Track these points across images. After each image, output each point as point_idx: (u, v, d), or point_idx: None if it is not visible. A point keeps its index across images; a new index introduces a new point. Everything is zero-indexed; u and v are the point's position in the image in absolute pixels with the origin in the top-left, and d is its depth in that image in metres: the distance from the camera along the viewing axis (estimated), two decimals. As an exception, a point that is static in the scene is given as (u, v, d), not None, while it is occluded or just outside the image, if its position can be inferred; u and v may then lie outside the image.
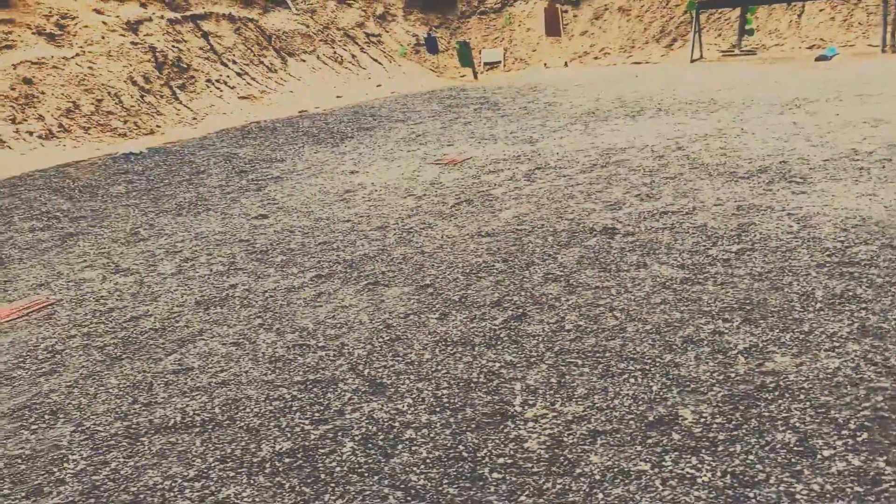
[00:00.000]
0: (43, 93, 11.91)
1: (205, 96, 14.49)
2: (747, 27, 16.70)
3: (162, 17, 15.23)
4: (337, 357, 3.36)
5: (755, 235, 4.44)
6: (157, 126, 12.93)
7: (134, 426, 2.91)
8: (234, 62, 15.82)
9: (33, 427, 2.98)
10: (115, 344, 3.79)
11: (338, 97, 15.78)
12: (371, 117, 12.15)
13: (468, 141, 9.00)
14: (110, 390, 3.25)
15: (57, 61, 12.58)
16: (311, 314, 3.93)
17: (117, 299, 4.49)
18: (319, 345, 3.52)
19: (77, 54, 13.04)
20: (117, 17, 14.46)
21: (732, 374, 2.84)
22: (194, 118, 13.67)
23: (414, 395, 2.93)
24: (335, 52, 17.96)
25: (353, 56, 18.23)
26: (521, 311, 3.68)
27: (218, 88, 14.86)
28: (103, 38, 13.71)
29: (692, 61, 16.31)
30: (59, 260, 5.49)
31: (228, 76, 15.35)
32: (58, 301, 4.57)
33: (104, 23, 14.08)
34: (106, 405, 3.11)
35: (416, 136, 9.73)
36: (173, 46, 14.94)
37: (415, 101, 13.80)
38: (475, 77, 18.25)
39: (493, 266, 4.41)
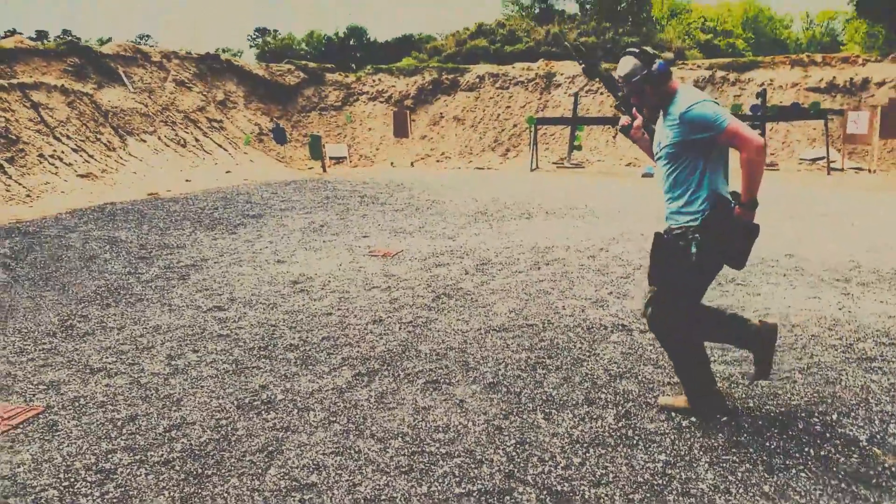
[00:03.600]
0: None
1: (38, 172, 12.95)
2: (576, 143, 18.49)
3: (-13, 81, 13.57)
4: (477, 465, 3.11)
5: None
6: (-15, 202, 11.27)
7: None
8: (69, 137, 14.39)
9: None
10: (178, 458, 3.18)
11: (187, 181, 14.88)
12: (247, 204, 11.59)
13: (382, 233, 8.91)
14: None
15: None
16: (397, 417, 3.60)
17: (128, 405, 3.79)
18: (443, 451, 3.23)
19: None
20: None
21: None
22: (28, 195, 12.12)
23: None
24: (177, 135, 17.02)
25: (197, 140, 17.39)
26: (624, 409, 3.68)
27: (53, 164, 13.36)
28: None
29: (532, 170, 17.62)
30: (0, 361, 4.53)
31: (63, 152, 13.89)
32: (47, 408, 3.75)
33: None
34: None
35: (320, 227, 9.43)
36: (-2, 115, 13.30)
37: (285, 190, 13.41)
38: (324, 170, 18.19)
39: (545, 362, 4.36)
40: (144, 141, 16.08)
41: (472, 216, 10.27)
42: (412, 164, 19.66)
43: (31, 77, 15.14)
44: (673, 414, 3.60)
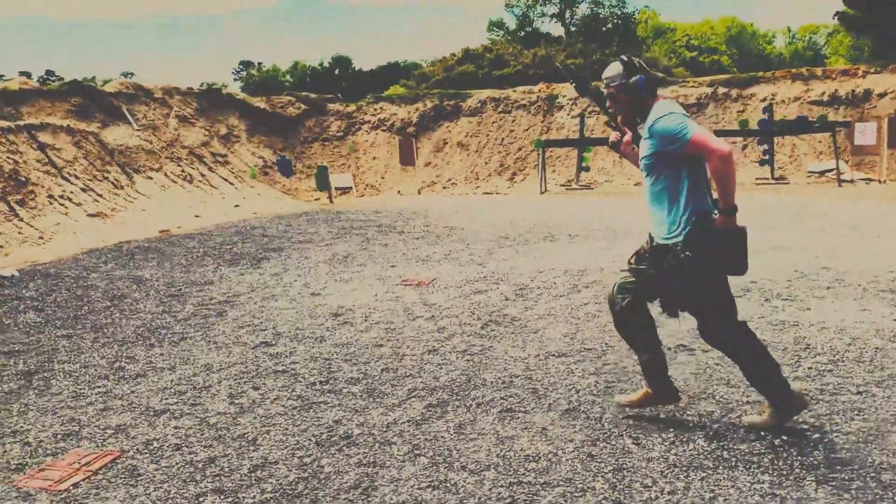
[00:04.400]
0: None
1: (49, 213, 12.87)
2: (584, 164, 18.55)
3: (-4, 124, 13.54)
4: (581, 494, 3.03)
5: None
6: (0, 246, 11.17)
7: None
8: (77, 177, 14.34)
9: None
10: (272, 499, 3.08)
11: (196, 216, 14.81)
12: (264, 237, 11.52)
13: (409, 263, 8.85)
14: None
15: None
16: (482, 448, 3.52)
17: (203, 446, 3.69)
18: (542, 481, 3.15)
19: None
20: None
21: None
22: (41, 237, 12.03)
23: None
24: (183, 171, 17.00)
25: (203, 175, 17.37)
26: (712, 430, 3.60)
27: (62, 205, 13.30)
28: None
29: (542, 193, 17.65)
30: (57, 408, 4.43)
31: (73, 192, 13.83)
32: (122, 452, 3.65)
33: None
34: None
35: (344, 258, 9.37)
36: (7, 158, 13.26)
37: (298, 223, 13.36)
38: (330, 201, 18.17)
39: (617, 386, 4.29)
40: (151, 178, 16.04)
41: (494, 241, 10.23)
42: (419, 191, 19.67)
43: (36, 118, 15.13)
44: (762, 433, 3.53)
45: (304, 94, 23.26)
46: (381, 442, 3.65)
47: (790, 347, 4.90)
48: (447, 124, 22.35)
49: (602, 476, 3.16)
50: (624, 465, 3.26)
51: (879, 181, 16.57)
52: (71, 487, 3.28)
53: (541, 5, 47.33)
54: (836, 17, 34.46)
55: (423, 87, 28.64)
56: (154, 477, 3.36)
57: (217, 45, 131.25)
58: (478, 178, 20.36)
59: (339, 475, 3.30)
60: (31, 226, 12.28)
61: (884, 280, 6.71)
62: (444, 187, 20.11)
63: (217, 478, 3.33)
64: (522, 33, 46.25)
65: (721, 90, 21.48)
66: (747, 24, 66.67)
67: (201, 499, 3.14)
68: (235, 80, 68.37)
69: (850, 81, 20.47)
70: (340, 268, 8.69)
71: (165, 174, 16.35)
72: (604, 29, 44.10)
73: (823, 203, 13.11)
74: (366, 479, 3.25)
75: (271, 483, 3.25)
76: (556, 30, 48.36)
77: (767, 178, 17.66)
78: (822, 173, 17.77)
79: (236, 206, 16.38)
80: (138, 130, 16.94)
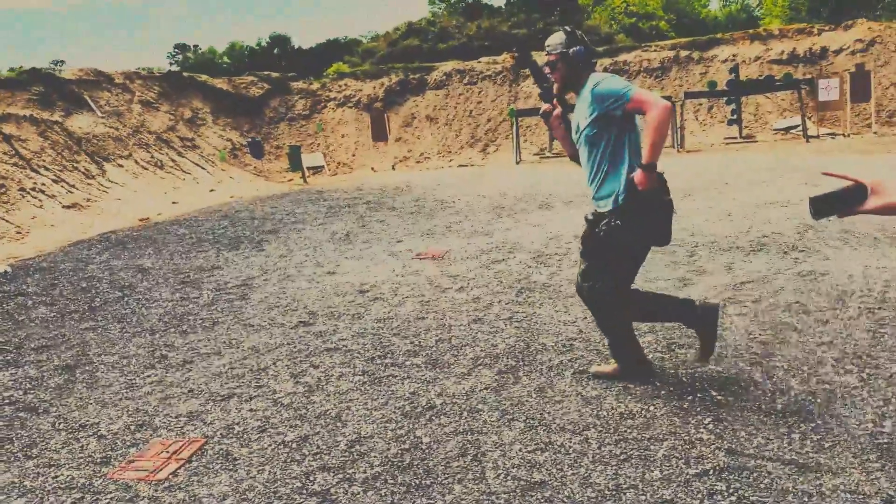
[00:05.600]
0: None
1: (23, 207, 12.43)
2: (556, 132, 18.60)
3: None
4: (693, 446, 3.10)
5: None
6: (-23, 242, 10.76)
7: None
8: (47, 168, 13.85)
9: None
10: (385, 472, 3.08)
11: (174, 203, 14.48)
12: (253, 220, 11.33)
13: (413, 237, 8.82)
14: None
15: None
16: (572, 409, 3.56)
17: (288, 427, 3.65)
18: (647, 436, 3.21)
19: None
20: None
21: None
22: (18, 231, 11.63)
23: None
24: (153, 157, 16.55)
25: (174, 161, 16.95)
26: (782, 385, 3.71)
27: (36, 198, 12.85)
28: None
29: (517, 163, 17.69)
30: (115, 400, 4.32)
31: (44, 184, 13.37)
32: (207, 438, 3.59)
33: None
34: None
35: (345, 236, 9.29)
36: (-27, 151, 12.73)
37: (281, 204, 13.16)
38: (304, 181, 17.93)
39: (680, 342, 4.38)
40: (122, 166, 15.59)
41: (491, 212, 10.24)
42: (393, 167, 19.53)
43: (-2, 109, 14.53)
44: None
45: (265, 73, 22.76)
46: (467, 410, 3.67)
47: (832, 293, 5.05)
48: (414, 98, 22.17)
49: (705, 427, 3.24)
50: (721, 417, 3.33)
51: (844, 135, 17.05)
52: (170, 476, 3.22)
53: (480, -25, 47.07)
54: None
55: (370, 63, 28.26)
56: (251, 460, 3.32)
57: (147, 30, 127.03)
58: (450, 152, 20.30)
59: (439, 444, 3.31)
60: (7, 221, 11.86)
61: (890, 229, 6.94)
62: (418, 162, 20.01)
63: (317, 456, 3.30)
64: (463, 4, 45.95)
65: (683, 53, 21.74)
66: None
67: (311, 477, 3.12)
68: (171, 63, 66.48)
69: (806, 40, 20.92)
70: (346, 246, 8.61)
71: (136, 161, 15.90)
72: None
73: (798, 158, 13.44)
74: (469, 446, 3.27)
75: (375, 457, 3.24)
76: (498, 0, 48.24)
77: (736, 137, 18.01)
78: (787, 130, 18.20)
79: (212, 190, 16.05)
80: (102, 118, 16.41)
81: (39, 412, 4.17)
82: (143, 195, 14.74)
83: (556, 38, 3.57)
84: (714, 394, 3.58)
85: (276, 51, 62.56)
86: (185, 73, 20.57)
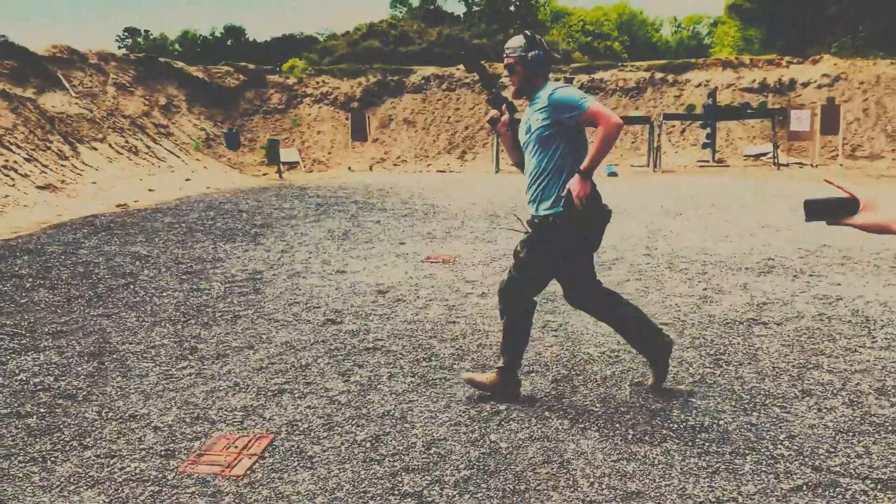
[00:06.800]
0: None
1: (-5, 184, 11.94)
2: (535, 143, 18.79)
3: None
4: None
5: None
6: (-51, 219, 10.30)
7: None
8: (19, 146, 13.34)
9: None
10: (478, 474, 3.06)
11: (150, 190, 14.11)
12: (240, 213, 11.13)
13: (415, 240, 8.80)
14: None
15: None
16: (638, 421, 3.61)
17: (355, 425, 3.59)
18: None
19: None
20: None
21: None
22: (-9, 210, 11.16)
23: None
24: (127, 142, 16.10)
25: (148, 147, 16.52)
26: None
27: (8, 176, 12.36)
28: None
29: (496, 172, 17.80)
30: (157, 391, 4.19)
31: (17, 162, 12.87)
32: (274, 434, 3.51)
33: None
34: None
35: (342, 234, 9.21)
36: (-57, 123, 12.19)
37: (268, 198, 12.96)
38: (280, 176, 17.69)
39: (723, 358, 4.47)
40: (96, 149, 15.12)
41: (487, 219, 10.29)
42: (370, 168, 19.43)
43: (-32, 81, 13.94)
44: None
45: (242, 63, 22.40)
46: (535, 416, 3.67)
47: (853, 320, 5.22)
48: (392, 100, 22.12)
49: (781, 443, 3.31)
50: (793, 434, 3.41)
51: (812, 165, 17.67)
52: (248, 472, 3.14)
53: (443, -16, 47.54)
54: (725, 8, 36.21)
55: (326, 62, 27.99)
56: (328, 458, 3.26)
57: (93, 8, 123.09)
58: (428, 156, 20.30)
59: (518, 450, 3.31)
60: (-23, 198, 11.36)
61: (886, 256, 7.22)
62: (395, 164, 19.95)
63: (396, 457, 3.26)
64: (422, 10, 46.17)
65: (658, 75, 22.23)
66: (637, 11, 68.93)
67: (397, 478, 3.07)
68: (120, 48, 64.98)
69: (775, 71, 21.64)
70: (348, 245, 8.53)
71: (110, 145, 15.44)
72: (505, 10, 44.76)
73: (775, 185, 13.88)
74: (551, 453, 3.27)
75: (457, 460, 3.22)
76: (459, 9, 48.72)
77: (709, 161, 18.48)
78: (757, 156, 18.77)
79: (187, 179, 15.69)
80: (76, 98, 15.89)
81: (79, 399, 4.01)
82: (118, 180, 14.32)
83: (516, 41, 3.62)
84: (778, 410, 3.67)
85: (230, 42, 61.53)
86: (161, 59, 20.07)
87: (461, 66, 23.16)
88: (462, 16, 45.40)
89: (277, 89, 21.87)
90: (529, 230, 3.75)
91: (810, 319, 5.25)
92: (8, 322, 5.52)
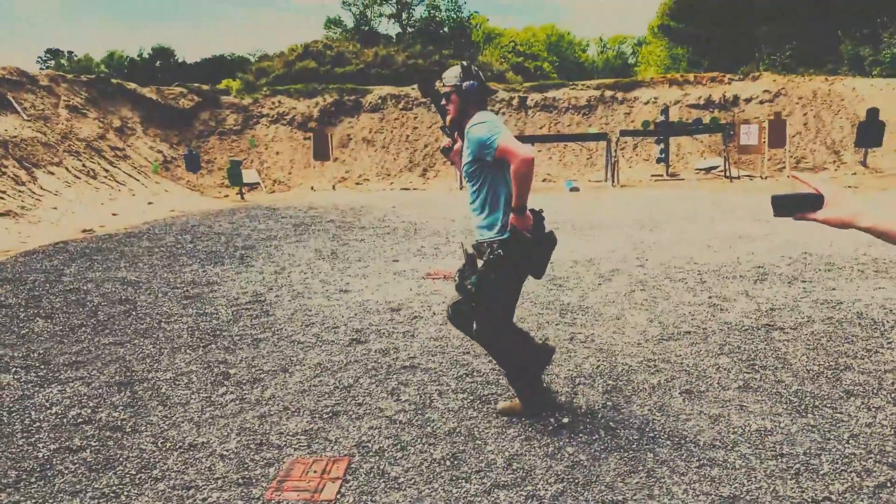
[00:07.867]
0: None
1: (-48, 212, 11.42)
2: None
3: None
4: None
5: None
6: None
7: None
8: (-27, 171, 12.80)
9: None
10: (570, 489, 3.10)
11: (114, 215, 13.70)
12: (219, 235, 10.92)
13: (408, 256, 8.80)
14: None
15: None
16: (703, 427, 3.71)
17: (427, 444, 3.59)
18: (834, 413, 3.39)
19: None
20: None
21: None
22: (-50, 239, 10.67)
23: None
24: (84, 165, 15.62)
25: (106, 170, 16.04)
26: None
27: (-36, 202, 11.83)
28: None
29: (461, 188, 17.92)
30: (206, 419, 4.09)
31: (-28, 188, 12.34)
32: (350, 456, 3.47)
33: None
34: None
35: (331, 254, 9.14)
36: None
37: (241, 220, 12.73)
38: (242, 197, 17.42)
39: (758, 363, 4.63)
40: (53, 173, 14.61)
41: (470, 236, 10.34)
42: (334, 187, 19.30)
43: (-86, 105, 13.31)
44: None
45: (195, 84, 22.01)
46: (601, 428, 3.74)
47: (861, 322, 5.47)
48: (349, 120, 22.07)
49: (846, 442, 3.45)
50: (855, 433, 3.56)
51: (761, 177, 18.38)
52: (336, 497, 3.11)
53: (378, 5, 47.93)
54: (650, 29, 37.49)
55: (263, 83, 27.74)
56: (413, 479, 3.25)
57: (9, 26, 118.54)
58: (389, 174, 20.30)
59: (599, 461, 3.37)
60: (-66, 226, 10.85)
61: (864, 261, 7.59)
62: (357, 183, 19.87)
63: (481, 473, 3.28)
64: (356, 31, 46.35)
65: (608, 93, 22.81)
66: (565, 31, 70.72)
67: (492, 494, 3.09)
68: (42, 69, 63.29)
69: (719, 87, 22.49)
70: (341, 264, 8.48)
71: (67, 169, 14.95)
72: (441, 32, 45.46)
73: (730, 197, 14.38)
74: (634, 462, 3.33)
75: (547, 474, 3.25)
76: (393, 30, 49.16)
77: (663, 175, 19.03)
78: (708, 170, 19.41)
79: (150, 203, 15.30)
80: (28, 121, 15.35)
81: (127, 431, 3.89)
82: (79, 205, 13.86)
83: (453, 72, 3.66)
84: (830, 411, 3.82)
85: (158, 63, 60.48)
86: (113, 80, 19.56)
87: (416, 87, 23.32)
88: (395, 36, 45.78)
89: (233, 110, 21.56)
90: (473, 253, 3.70)
91: (821, 323, 5.48)
92: (16, 354, 5.30)
